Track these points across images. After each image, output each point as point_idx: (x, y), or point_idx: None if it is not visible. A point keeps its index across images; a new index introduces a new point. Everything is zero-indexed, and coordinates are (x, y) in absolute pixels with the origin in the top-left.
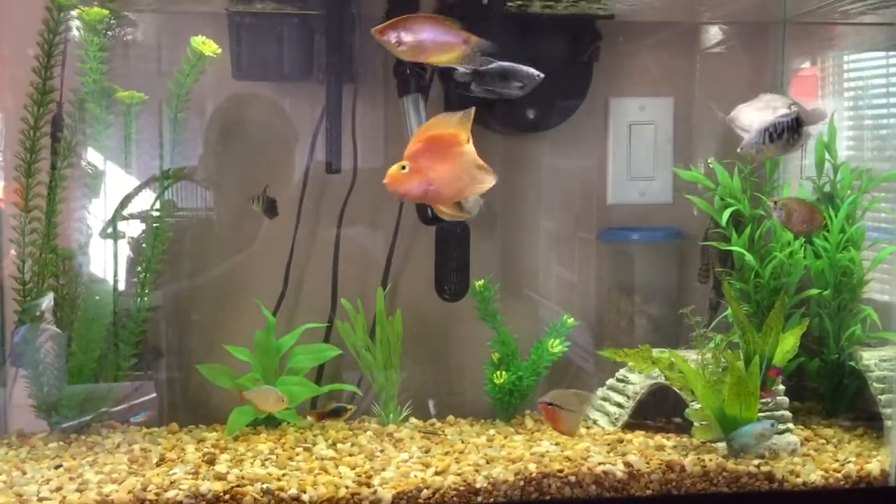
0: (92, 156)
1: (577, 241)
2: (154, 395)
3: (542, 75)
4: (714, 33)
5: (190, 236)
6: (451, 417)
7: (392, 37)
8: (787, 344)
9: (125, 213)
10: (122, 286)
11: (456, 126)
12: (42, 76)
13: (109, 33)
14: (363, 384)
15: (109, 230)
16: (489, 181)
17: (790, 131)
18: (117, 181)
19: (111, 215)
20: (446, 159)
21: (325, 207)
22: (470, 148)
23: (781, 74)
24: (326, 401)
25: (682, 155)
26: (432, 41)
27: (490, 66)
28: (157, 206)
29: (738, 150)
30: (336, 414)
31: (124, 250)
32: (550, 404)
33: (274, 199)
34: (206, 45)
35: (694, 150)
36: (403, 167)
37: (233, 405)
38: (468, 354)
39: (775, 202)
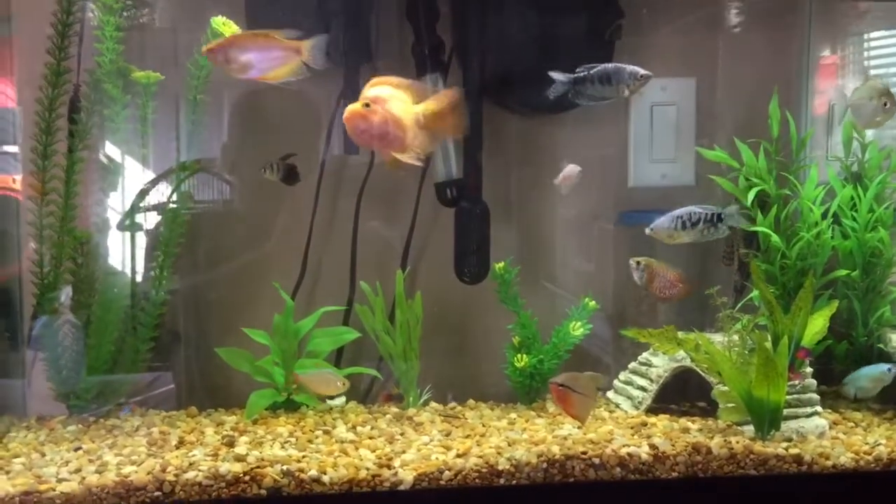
0: (108, 137)
1: (598, 223)
2: (172, 385)
3: (649, 74)
4: (738, 11)
5: (208, 221)
6: (471, 401)
7: (220, 57)
8: (816, 325)
9: (142, 203)
10: (140, 270)
11: (404, 88)
12: (56, 57)
13: (126, 14)
14: (383, 368)
15: (128, 222)
16: (428, 146)
17: (707, 223)
18: (134, 163)
19: (131, 205)
20: (401, 107)
21: (344, 190)
22: (419, 109)
23: (808, 53)
24: (393, 385)
25: (704, 136)
26: (262, 58)
27: (592, 71)
28: (175, 193)
29: (648, 230)
30: (399, 399)
31: (142, 234)
32: (562, 385)
33: (293, 164)
34: (227, 27)
35: (717, 131)
36: (367, 105)
37: (252, 388)
38: (489, 338)
39: (638, 262)
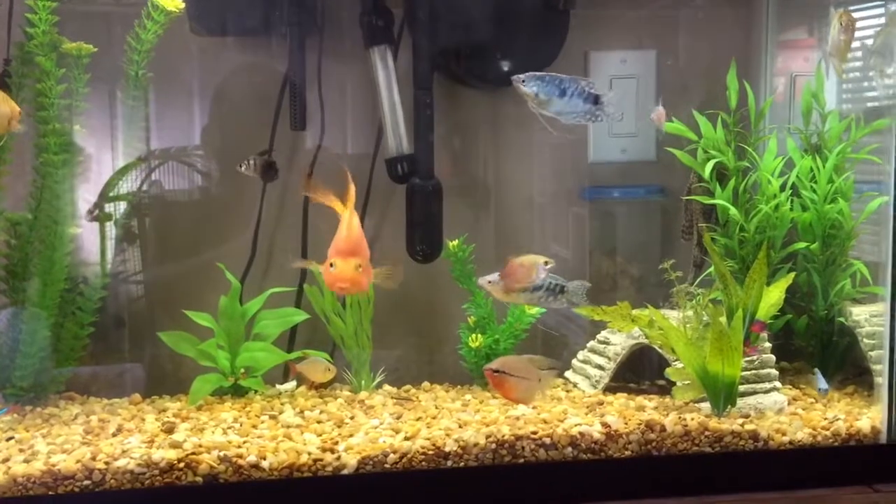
0: (42, 114)
1: (556, 200)
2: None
3: None
4: None
5: (156, 202)
6: (425, 384)
7: None
8: (772, 297)
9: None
10: (81, 253)
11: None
12: None
13: None
14: (336, 352)
15: (96, 212)
16: None
17: (548, 291)
18: (70, 141)
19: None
20: (363, 242)
21: (294, 167)
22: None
23: (768, 24)
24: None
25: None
26: None
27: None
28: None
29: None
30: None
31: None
32: (497, 371)
33: (272, 160)
34: (171, 0)
35: (677, 103)
36: (359, 266)
37: (198, 373)
38: (444, 318)
39: None
